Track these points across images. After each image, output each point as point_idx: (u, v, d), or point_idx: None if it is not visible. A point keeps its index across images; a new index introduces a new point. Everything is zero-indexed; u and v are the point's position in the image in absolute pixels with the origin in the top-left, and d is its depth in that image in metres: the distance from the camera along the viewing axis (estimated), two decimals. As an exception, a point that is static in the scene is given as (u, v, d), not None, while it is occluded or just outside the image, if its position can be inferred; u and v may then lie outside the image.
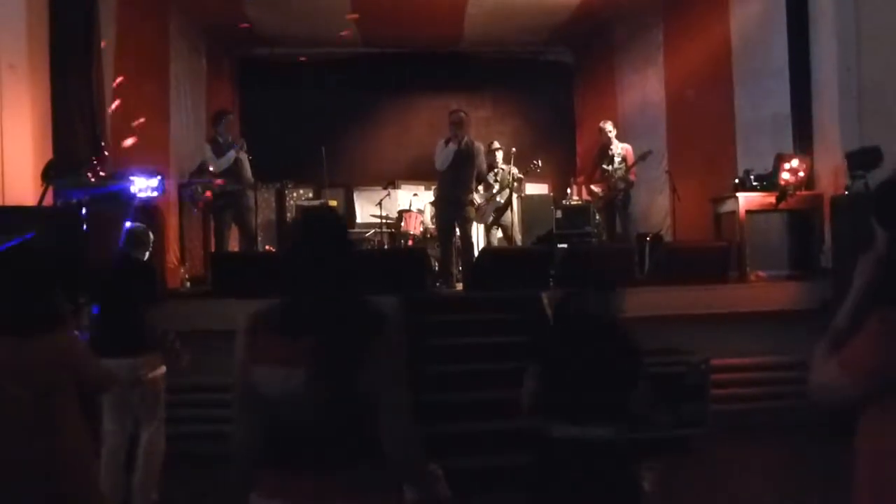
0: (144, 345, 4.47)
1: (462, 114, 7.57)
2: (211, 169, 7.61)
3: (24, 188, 5.76)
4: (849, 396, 1.81)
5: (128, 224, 4.88)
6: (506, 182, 8.58)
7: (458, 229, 7.54)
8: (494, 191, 8.64)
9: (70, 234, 5.22)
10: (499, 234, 8.85)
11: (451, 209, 7.50)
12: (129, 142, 7.41)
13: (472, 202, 7.62)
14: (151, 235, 4.97)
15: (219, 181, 7.56)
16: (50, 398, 2.73)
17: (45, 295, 2.82)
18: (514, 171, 8.65)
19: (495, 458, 5.12)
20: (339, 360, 1.89)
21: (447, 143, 7.41)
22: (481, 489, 4.43)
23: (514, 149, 9.14)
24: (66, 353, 2.83)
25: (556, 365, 2.94)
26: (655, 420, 3.09)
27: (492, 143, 9.16)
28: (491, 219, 8.70)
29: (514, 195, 8.76)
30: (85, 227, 5.39)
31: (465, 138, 7.45)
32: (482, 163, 7.70)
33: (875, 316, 1.78)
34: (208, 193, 7.66)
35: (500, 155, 8.90)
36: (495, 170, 8.73)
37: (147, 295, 4.57)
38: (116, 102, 7.24)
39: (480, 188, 8.60)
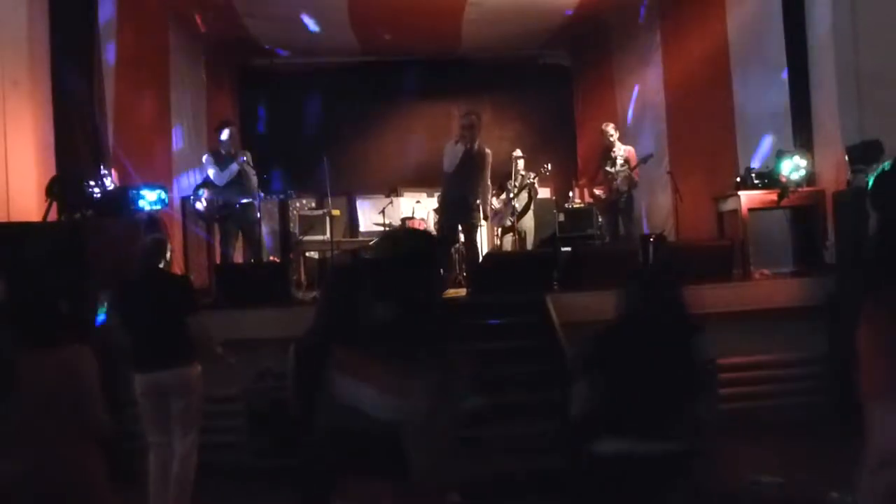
0: (187, 355, 4.46)
1: (474, 116, 7.37)
2: (214, 181, 7.63)
3: (29, 204, 5.80)
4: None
5: (153, 235, 4.84)
6: (524, 186, 8.75)
7: (462, 234, 7.52)
8: (512, 195, 8.84)
9: (74, 248, 5.25)
10: (511, 237, 9.05)
11: (456, 213, 7.43)
12: (131, 156, 7.44)
13: (477, 207, 7.48)
14: (170, 245, 4.95)
15: (220, 193, 7.57)
16: (70, 409, 2.74)
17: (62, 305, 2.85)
18: (532, 176, 8.83)
19: (505, 463, 5.12)
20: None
21: (456, 142, 7.27)
22: (492, 494, 4.43)
23: (519, 152, 9.27)
24: (75, 365, 2.85)
25: (619, 374, 2.73)
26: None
27: (514, 150, 9.36)
28: (508, 223, 8.86)
29: (532, 201, 8.96)
30: (88, 241, 5.42)
31: (477, 142, 7.30)
32: (487, 170, 7.49)
33: (869, 302, 1.69)
34: (204, 205, 7.64)
35: (521, 163, 9.14)
36: (518, 177, 8.95)
37: (187, 304, 4.52)
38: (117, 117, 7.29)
39: (503, 194, 8.87)
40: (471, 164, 7.23)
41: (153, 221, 6.33)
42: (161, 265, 4.68)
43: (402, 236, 2.24)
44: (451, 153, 7.27)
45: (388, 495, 1.89)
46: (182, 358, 4.43)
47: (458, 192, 7.29)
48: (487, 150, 7.47)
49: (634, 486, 2.67)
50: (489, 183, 7.72)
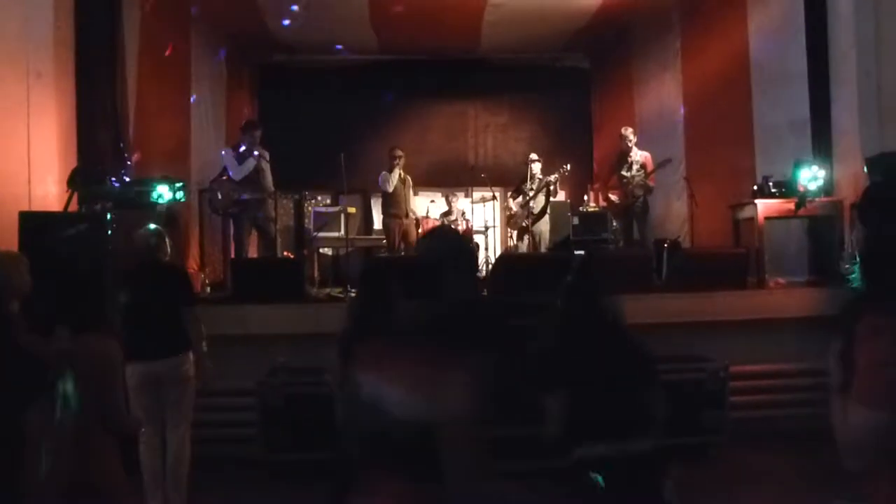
0: (183, 346, 4.52)
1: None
2: (231, 175, 7.69)
3: (50, 194, 5.87)
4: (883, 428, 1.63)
5: (150, 226, 4.87)
6: (541, 188, 8.78)
7: None
8: (529, 197, 8.89)
9: (95, 239, 5.31)
10: (526, 239, 9.10)
11: None
12: (151, 149, 7.51)
13: None
14: (169, 239, 4.98)
15: (237, 188, 7.63)
16: (97, 398, 2.79)
17: (92, 294, 2.89)
18: (551, 178, 8.87)
19: (517, 464, 5.12)
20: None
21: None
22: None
23: (535, 156, 9.29)
24: (107, 353, 2.89)
25: (578, 382, 2.82)
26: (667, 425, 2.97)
27: (529, 154, 9.39)
28: (524, 224, 8.92)
29: (549, 204, 9.07)
30: (109, 232, 5.48)
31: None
32: None
33: (865, 326, 1.68)
34: (221, 200, 7.71)
35: (537, 166, 9.18)
36: (535, 180, 8.98)
37: (186, 297, 4.60)
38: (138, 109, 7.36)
39: (519, 197, 8.98)
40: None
41: (171, 215, 6.38)
42: (160, 256, 4.71)
43: (447, 235, 2.25)
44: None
45: (412, 497, 1.88)
46: (177, 349, 4.48)
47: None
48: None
49: (617, 486, 2.74)
50: None
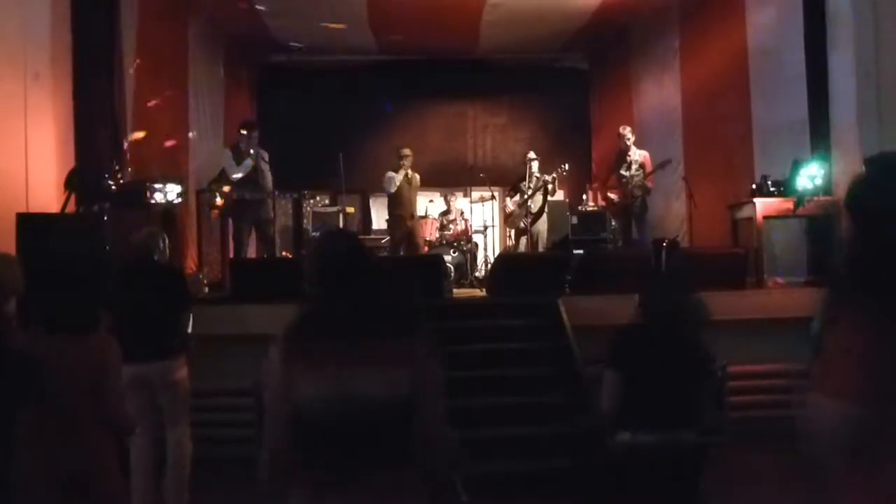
0: (176, 347, 4.50)
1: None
2: (230, 175, 7.69)
3: (48, 195, 5.85)
4: (856, 423, 1.62)
5: (148, 228, 4.87)
6: (539, 187, 8.77)
7: None
8: (527, 196, 8.87)
9: (92, 240, 5.30)
10: (525, 239, 9.08)
11: None
12: (148, 149, 7.51)
13: None
14: (165, 238, 4.97)
15: (234, 189, 7.62)
16: (94, 399, 2.78)
17: (90, 294, 2.89)
18: (548, 177, 8.85)
19: (515, 463, 5.12)
20: (374, 360, 1.89)
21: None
22: (502, 495, 4.43)
23: (533, 154, 9.28)
24: (104, 353, 2.89)
25: (640, 369, 2.90)
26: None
27: (527, 153, 9.38)
28: (522, 224, 8.89)
29: (546, 203, 9.05)
30: (107, 233, 5.47)
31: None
32: None
33: (846, 322, 1.66)
34: (220, 201, 7.72)
35: (535, 165, 9.15)
36: (533, 178, 8.97)
37: (181, 298, 4.58)
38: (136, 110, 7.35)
39: (516, 196, 8.96)
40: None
41: (169, 215, 6.38)
42: (156, 258, 4.70)
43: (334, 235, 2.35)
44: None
45: (389, 489, 1.87)
46: (172, 350, 4.47)
47: None
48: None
49: (660, 475, 2.83)
50: None
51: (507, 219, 9.61)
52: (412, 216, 9.02)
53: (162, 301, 4.48)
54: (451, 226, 9.89)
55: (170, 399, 4.51)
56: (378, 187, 11.08)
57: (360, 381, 1.88)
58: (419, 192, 10.15)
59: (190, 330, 4.64)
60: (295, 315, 2.03)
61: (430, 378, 1.94)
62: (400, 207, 8.89)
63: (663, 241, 8.02)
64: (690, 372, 2.96)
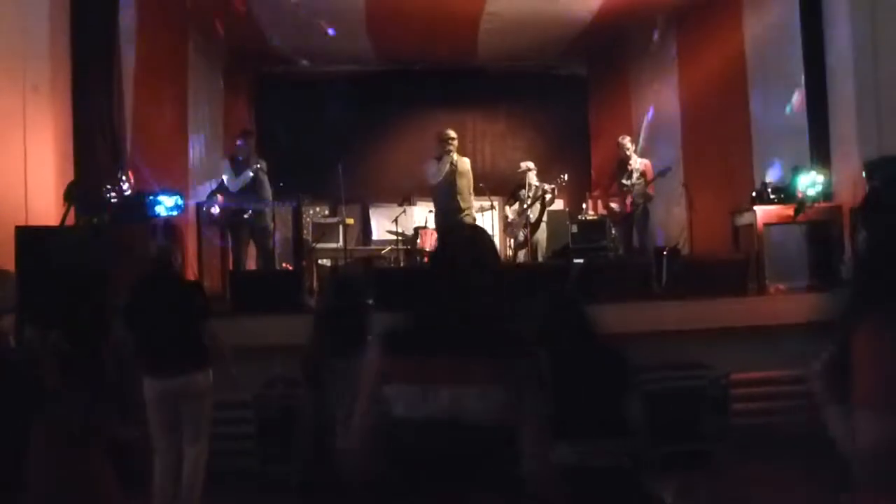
0: (199, 361, 4.43)
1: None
2: (228, 187, 7.68)
3: (47, 208, 5.85)
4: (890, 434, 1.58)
5: (159, 244, 4.82)
6: (537, 197, 8.74)
7: None
8: (526, 206, 8.82)
9: (92, 254, 5.28)
10: (525, 251, 9.03)
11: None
12: (148, 162, 7.50)
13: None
14: (177, 253, 4.92)
15: (232, 199, 7.61)
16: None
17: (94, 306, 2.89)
18: (546, 187, 8.82)
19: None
20: (471, 379, 1.80)
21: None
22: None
23: (531, 164, 9.26)
24: None
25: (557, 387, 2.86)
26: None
27: (525, 162, 9.38)
28: (522, 235, 8.84)
29: (545, 213, 8.99)
30: (106, 245, 5.46)
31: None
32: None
33: (868, 331, 1.65)
34: (218, 212, 7.68)
35: (532, 175, 9.10)
36: (532, 188, 8.94)
37: (200, 310, 4.49)
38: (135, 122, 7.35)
39: (515, 204, 8.92)
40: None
41: (169, 227, 6.35)
42: (174, 270, 4.65)
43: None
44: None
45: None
46: (194, 364, 4.40)
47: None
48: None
49: (590, 491, 2.69)
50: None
51: (506, 227, 9.59)
52: (463, 210, 7.84)
53: (181, 314, 4.40)
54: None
55: (191, 414, 4.43)
56: (377, 198, 11.11)
57: (456, 401, 1.78)
58: (419, 203, 10.02)
59: (224, 341, 4.54)
60: (400, 321, 1.92)
61: (531, 401, 1.84)
62: (445, 202, 7.84)
63: (664, 250, 8.03)
64: (602, 380, 2.88)
